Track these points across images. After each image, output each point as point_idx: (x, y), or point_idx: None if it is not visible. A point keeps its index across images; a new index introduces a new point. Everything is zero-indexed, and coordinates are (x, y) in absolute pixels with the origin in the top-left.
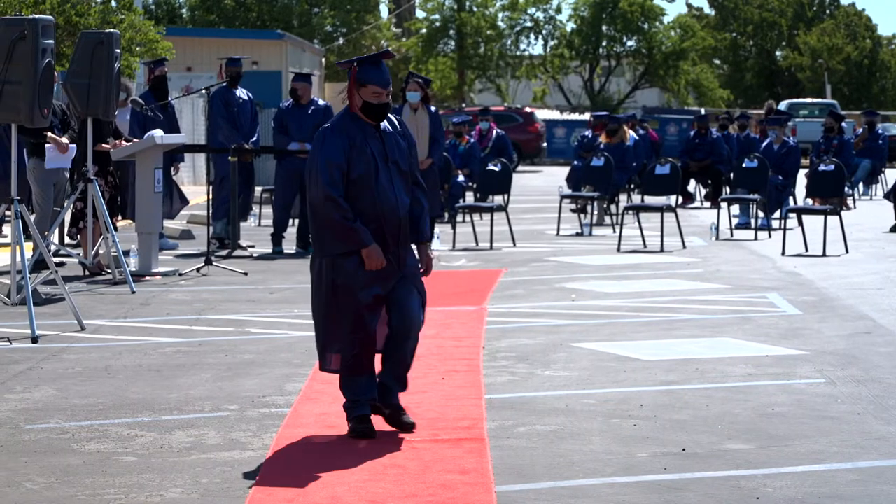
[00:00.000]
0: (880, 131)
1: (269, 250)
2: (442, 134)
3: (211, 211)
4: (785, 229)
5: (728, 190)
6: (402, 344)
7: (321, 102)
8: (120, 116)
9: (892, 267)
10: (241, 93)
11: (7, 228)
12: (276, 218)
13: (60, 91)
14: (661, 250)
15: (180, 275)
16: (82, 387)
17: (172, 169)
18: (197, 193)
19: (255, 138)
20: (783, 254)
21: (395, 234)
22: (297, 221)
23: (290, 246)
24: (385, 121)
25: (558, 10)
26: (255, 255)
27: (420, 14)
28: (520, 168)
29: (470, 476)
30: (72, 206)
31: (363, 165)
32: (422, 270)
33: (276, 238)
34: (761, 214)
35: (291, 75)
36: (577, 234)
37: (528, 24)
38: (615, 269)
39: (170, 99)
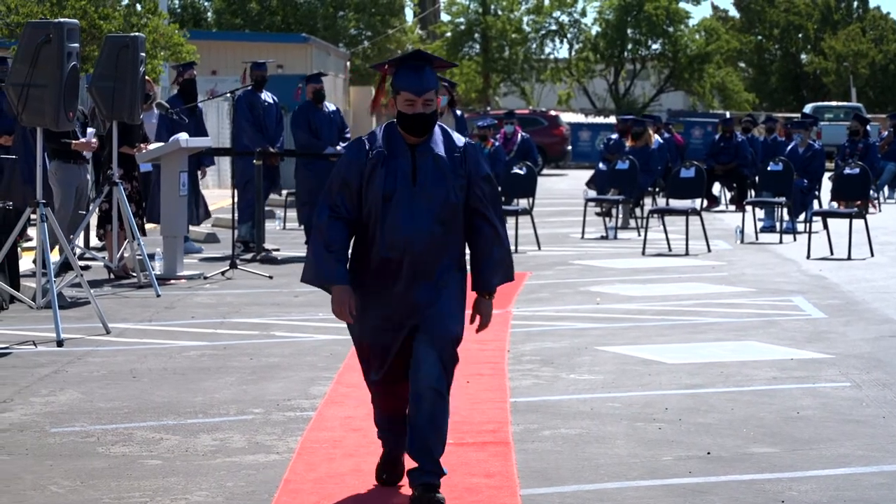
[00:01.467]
0: None
1: (295, 254)
2: (467, 137)
3: (236, 214)
4: (810, 232)
5: (753, 193)
6: (416, 406)
7: (332, 106)
8: (145, 120)
9: None
10: (266, 96)
11: (32, 231)
12: (305, 221)
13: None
14: (686, 254)
15: (205, 278)
16: (107, 390)
17: (199, 173)
18: (222, 197)
19: (280, 142)
20: (808, 257)
21: (410, 270)
22: None
23: None
24: (443, 139)
25: (583, 14)
26: (279, 258)
27: (445, 17)
28: (545, 171)
29: (495, 479)
30: (97, 210)
31: (381, 185)
32: (475, 326)
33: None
34: (786, 218)
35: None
36: (602, 238)
37: (553, 27)
38: (640, 272)
39: (198, 102)
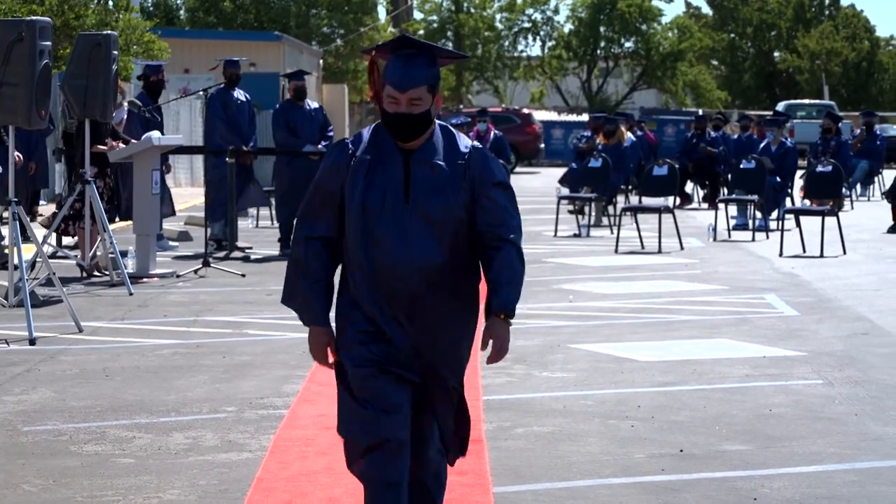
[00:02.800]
0: (878, 132)
1: (269, 252)
2: None
3: (208, 212)
4: (782, 230)
5: (726, 191)
6: (418, 490)
7: (314, 104)
8: (115, 117)
9: (890, 268)
10: (239, 94)
11: (5, 230)
12: (282, 220)
13: (58, 93)
14: (659, 251)
15: (178, 276)
16: (80, 389)
17: (164, 168)
18: (194, 195)
19: (253, 140)
20: (781, 255)
21: (405, 307)
22: None
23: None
24: (444, 143)
25: (556, 11)
26: (253, 256)
27: (418, 15)
28: (517, 169)
29: (468, 477)
30: (69, 208)
31: (364, 200)
32: (487, 354)
33: (285, 241)
34: (759, 215)
35: (285, 77)
36: (575, 236)
37: (526, 24)
38: (613, 270)
39: (168, 101)
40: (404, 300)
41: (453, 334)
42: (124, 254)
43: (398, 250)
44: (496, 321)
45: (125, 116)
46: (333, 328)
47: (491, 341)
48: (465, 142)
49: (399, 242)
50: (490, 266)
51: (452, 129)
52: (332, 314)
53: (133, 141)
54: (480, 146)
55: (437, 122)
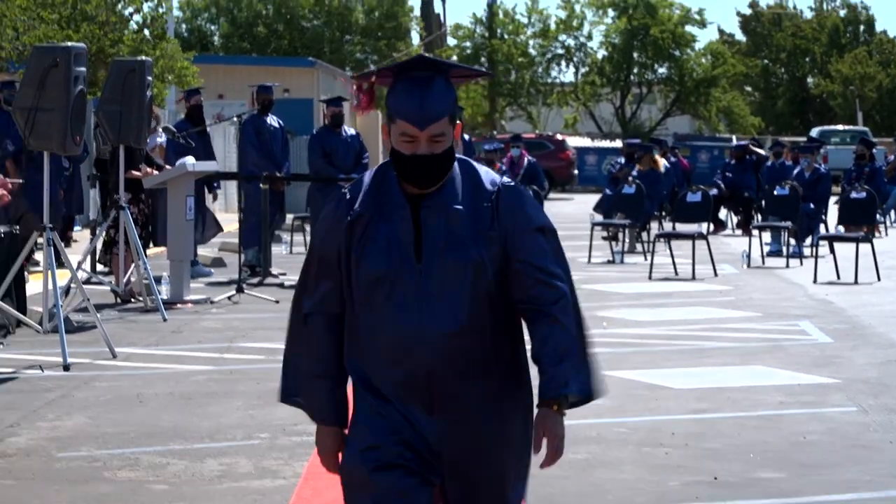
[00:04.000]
0: None
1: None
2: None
3: (242, 238)
4: (817, 257)
5: (759, 217)
6: None
7: (351, 131)
8: (150, 141)
9: None
10: (273, 120)
11: (40, 256)
12: None
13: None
14: (693, 278)
15: (212, 303)
16: (114, 415)
17: (210, 196)
18: (228, 221)
19: (286, 166)
20: (815, 281)
21: (421, 389)
22: None
23: None
24: (464, 184)
25: (589, 37)
26: (286, 282)
27: (451, 41)
28: (551, 195)
29: None
30: (104, 234)
31: (375, 260)
32: (541, 456)
33: None
34: (793, 242)
35: (324, 103)
36: (609, 262)
37: (560, 51)
38: (647, 296)
39: (206, 126)
40: (421, 385)
41: (489, 430)
42: (158, 280)
43: (411, 322)
44: (547, 413)
45: (159, 142)
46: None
47: (545, 441)
48: (490, 177)
49: (412, 313)
50: (534, 340)
51: (473, 162)
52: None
53: (167, 167)
54: (511, 183)
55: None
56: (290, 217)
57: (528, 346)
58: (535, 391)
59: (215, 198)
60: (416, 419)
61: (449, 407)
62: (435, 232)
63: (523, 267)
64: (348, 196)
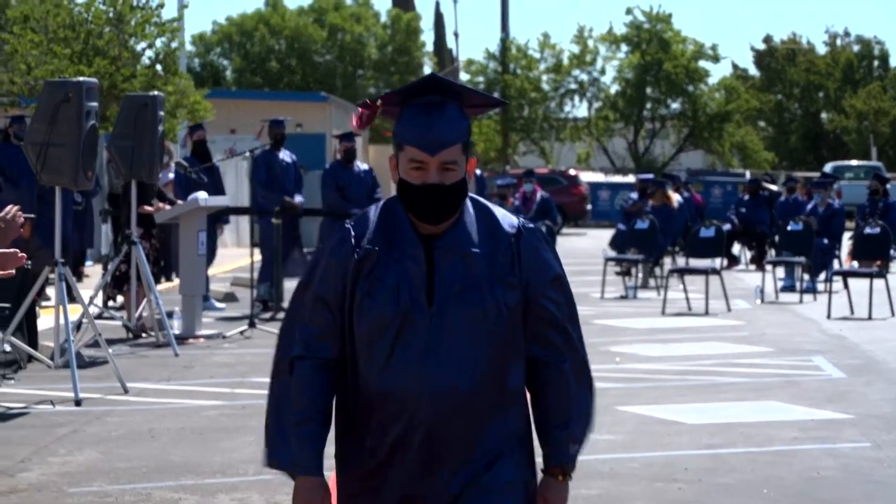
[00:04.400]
0: None
1: None
2: (486, 197)
3: (255, 274)
4: (830, 292)
5: (773, 253)
6: None
7: (364, 166)
8: (162, 178)
9: None
10: (285, 155)
11: (51, 291)
12: None
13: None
14: (706, 313)
15: (224, 337)
16: (125, 450)
17: (217, 230)
18: (240, 256)
19: (300, 201)
20: (829, 317)
21: (427, 452)
22: None
23: None
24: (478, 223)
25: (602, 72)
26: None
27: (464, 76)
28: (564, 230)
29: None
30: (116, 269)
31: (383, 302)
32: None
33: None
34: (806, 277)
35: (337, 138)
36: (622, 297)
37: (573, 86)
38: (660, 332)
39: (214, 161)
40: (423, 445)
41: (500, 500)
42: (170, 314)
43: (416, 373)
44: (550, 481)
45: (172, 177)
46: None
47: None
48: (508, 219)
49: (419, 362)
50: (543, 391)
51: (487, 202)
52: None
53: (179, 202)
54: (532, 225)
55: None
56: (305, 251)
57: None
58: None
59: (222, 232)
60: (415, 483)
61: (456, 460)
62: (449, 274)
63: (539, 319)
64: (353, 232)
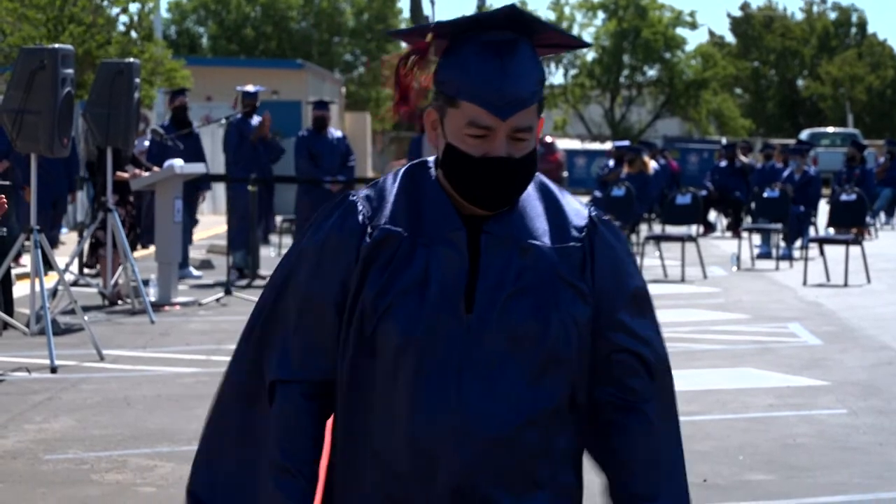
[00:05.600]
0: None
1: None
2: None
3: (231, 241)
4: (806, 259)
5: (749, 220)
6: None
7: (338, 133)
8: (138, 145)
9: None
10: (257, 122)
11: (27, 259)
12: None
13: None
14: (682, 280)
15: (200, 305)
16: (101, 417)
17: (199, 196)
18: (216, 223)
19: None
20: (805, 284)
21: (451, 498)
22: None
23: None
24: (541, 206)
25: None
26: None
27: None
28: None
29: None
30: (91, 236)
31: (393, 308)
32: None
33: None
34: (782, 244)
35: (310, 105)
36: None
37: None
38: None
39: (193, 128)
40: (452, 479)
41: None
42: (146, 282)
43: (444, 409)
44: None
45: (147, 145)
46: None
47: None
48: (575, 206)
49: (448, 393)
50: (611, 456)
51: (549, 182)
52: None
53: (155, 169)
54: (606, 216)
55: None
56: (278, 219)
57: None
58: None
59: (203, 199)
60: None
61: None
62: (500, 272)
63: (619, 347)
64: (361, 207)
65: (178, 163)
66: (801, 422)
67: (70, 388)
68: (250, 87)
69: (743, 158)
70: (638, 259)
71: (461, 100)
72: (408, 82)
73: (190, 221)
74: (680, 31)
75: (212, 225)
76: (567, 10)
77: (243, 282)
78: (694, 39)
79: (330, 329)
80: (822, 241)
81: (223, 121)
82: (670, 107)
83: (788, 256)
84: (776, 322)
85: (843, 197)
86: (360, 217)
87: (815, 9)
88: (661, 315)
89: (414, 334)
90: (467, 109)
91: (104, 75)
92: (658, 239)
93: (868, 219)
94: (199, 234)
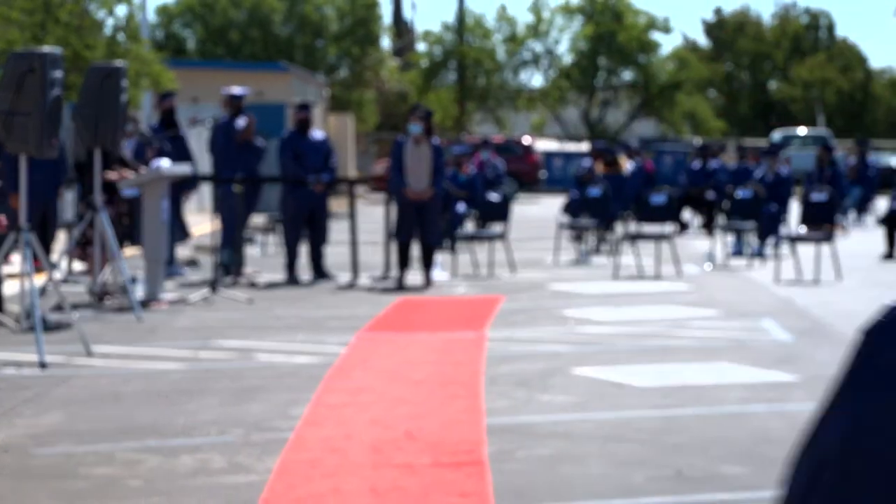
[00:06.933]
0: (870, 162)
1: (275, 278)
2: (443, 165)
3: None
4: (778, 257)
5: (723, 219)
6: None
7: (320, 134)
8: (127, 146)
9: (884, 293)
10: (242, 123)
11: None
12: (287, 247)
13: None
14: (657, 278)
15: (186, 302)
16: (90, 412)
17: (184, 197)
18: (201, 222)
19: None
20: (777, 281)
21: None
22: (308, 250)
23: (304, 274)
24: None
25: (556, 43)
26: (260, 282)
27: (421, 47)
28: (518, 197)
29: (470, 499)
30: (80, 235)
31: None
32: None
33: (290, 267)
34: (755, 242)
35: (293, 107)
36: (575, 262)
37: (528, 56)
38: (612, 296)
39: (180, 130)
40: None
41: None
42: (134, 279)
43: None
44: None
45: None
46: None
47: None
48: None
49: None
50: None
51: None
52: None
53: (143, 169)
54: None
55: None
56: (263, 217)
57: None
58: None
59: (188, 198)
60: None
61: None
62: None
63: None
64: None
65: (164, 163)
66: (774, 416)
67: (59, 384)
68: (236, 89)
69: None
70: (613, 257)
71: None
72: None
73: (180, 222)
74: (655, 35)
75: (197, 223)
76: (546, 14)
77: (229, 279)
78: (668, 43)
79: None
80: (793, 240)
81: (209, 122)
82: (645, 109)
83: (761, 254)
84: (749, 318)
85: (815, 196)
86: None
87: (789, 13)
88: (637, 311)
89: None
90: None
91: (93, 78)
92: (634, 237)
93: (839, 217)
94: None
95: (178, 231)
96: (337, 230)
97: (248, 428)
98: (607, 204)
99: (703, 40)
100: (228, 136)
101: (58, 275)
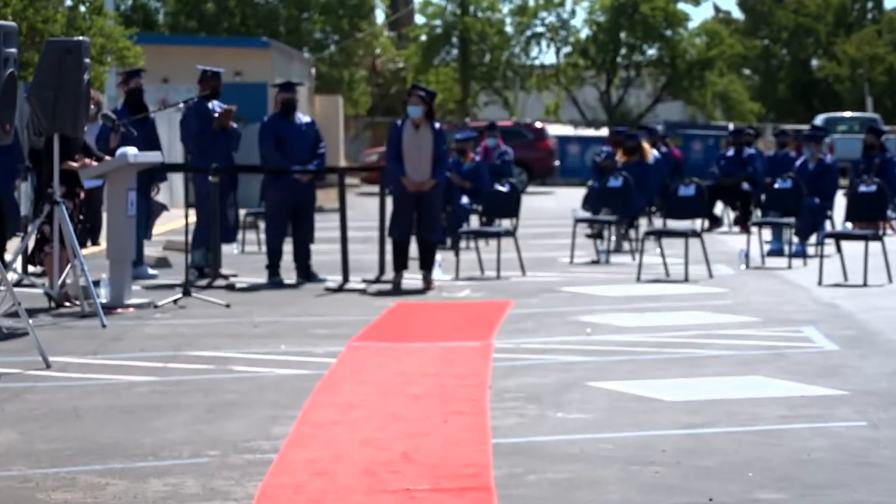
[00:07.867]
0: None
1: (255, 280)
2: (446, 152)
3: (190, 237)
4: (822, 257)
5: (759, 213)
6: None
7: (306, 118)
8: (89, 132)
9: None
10: (217, 107)
11: None
12: (269, 246)
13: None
14: (686, 280)
15: (156, 307)
16: (48, 430)
17: (153, 188)
18: (173, 217)
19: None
20: (820, 283)
21: None
22: (293, 248)
23: (287, 275)
24: None
25: (572, 14)
26: (238, 285)
27: (420, 19)
28: (529, 189)
29: None
30: (36, 231)
31: None
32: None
33: (272, 268)
34: (795, 240)
35: (276, 87)
36: (593, 262)
37: (539, 29)
38: (635, 300)
39: (149, 113)
40: None
41: None
42: (97, 282)
43: None
44: None
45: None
46: None
47: None
48: None
49: None
50: None
51: None
52: None
53: (107, 158)
54: None
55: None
56: (243, 212)
57: None
58: None
59: (158, 191)
60: None
61: None
62: None
63: None
64: None
65: (131, 150)
66: (816, 435)
67: (13, 399)
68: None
69: (751, 151)
70: (636, 256)
71: None
72: None
73: (146, 215)
74: (682, 6)
75: (168, 219)
76: None
77: (203, 281)
78: (697, 15)
79: None
80: (838, 237)
81: (181, 105)
82: (672, 89)
83: (802, 254)
84: (788, 326)
85: (862, 188)
86: None
87: None
88: (663, 318)
89: None
90: None
91: (51, 54)
92: (659, 234)
93: (890, 212)
94: (154, 230)
95: (156, 209)
96: (325, 226)
97: (224, 448)
98: (629, 196)
99: (736, 12)
100: (203, 120)
101: (11, 276)
